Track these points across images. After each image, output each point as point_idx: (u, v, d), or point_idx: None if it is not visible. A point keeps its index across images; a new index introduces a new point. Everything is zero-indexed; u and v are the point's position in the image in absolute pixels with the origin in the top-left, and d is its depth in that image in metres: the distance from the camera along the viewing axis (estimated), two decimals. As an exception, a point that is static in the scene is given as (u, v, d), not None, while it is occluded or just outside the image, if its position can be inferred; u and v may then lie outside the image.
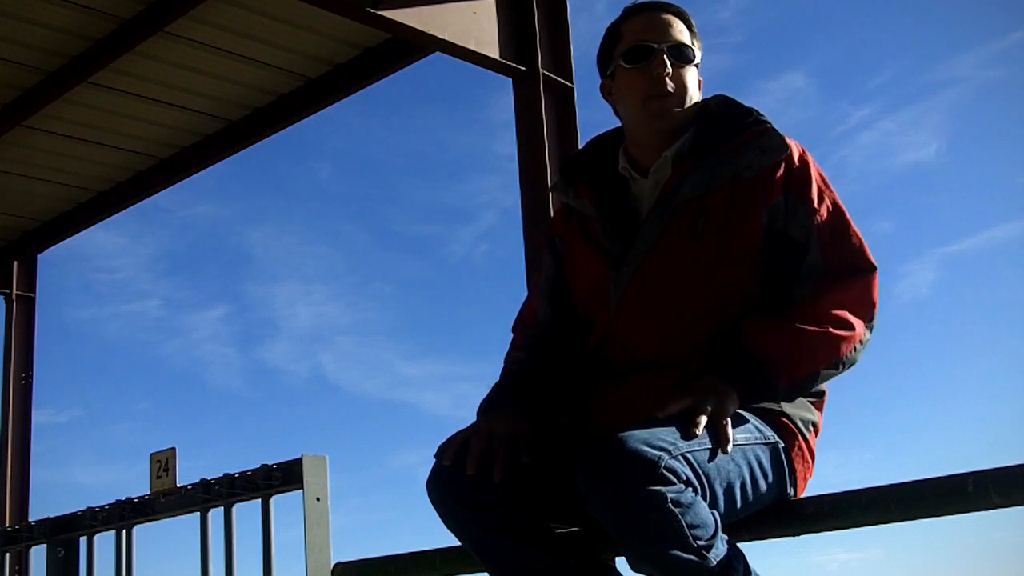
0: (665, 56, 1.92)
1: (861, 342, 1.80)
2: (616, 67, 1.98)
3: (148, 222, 11.88)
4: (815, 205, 1.85)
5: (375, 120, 11.24)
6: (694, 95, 1.97)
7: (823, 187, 1.88)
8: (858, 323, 1.78)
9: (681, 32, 1.96)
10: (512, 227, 3.58)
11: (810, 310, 1.77)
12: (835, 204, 1.88)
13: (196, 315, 12.17)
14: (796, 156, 1.88)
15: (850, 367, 1.81)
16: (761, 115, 1.92)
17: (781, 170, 1.86)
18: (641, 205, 1.96)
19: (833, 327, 1.76)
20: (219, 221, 11.99)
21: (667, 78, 1.92)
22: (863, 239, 1.87)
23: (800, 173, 1.87)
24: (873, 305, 1.82)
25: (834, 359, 1.77)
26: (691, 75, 1.96)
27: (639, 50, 1.94)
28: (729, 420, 1.68)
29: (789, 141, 1.89)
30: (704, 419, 1.65)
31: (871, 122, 11.12)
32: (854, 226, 1.88)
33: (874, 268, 1.85)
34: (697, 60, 1.98)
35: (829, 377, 1.80)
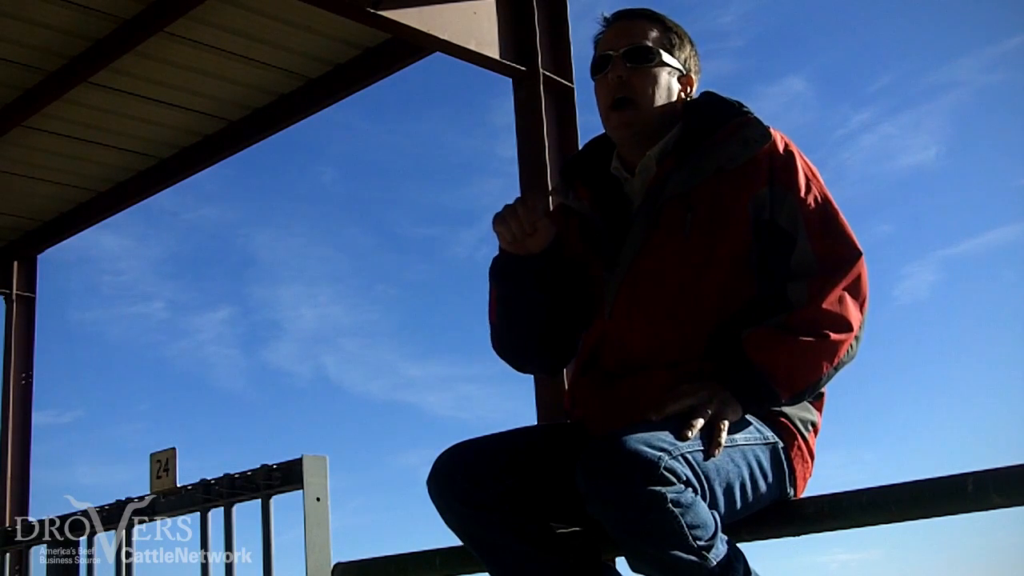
0: (622, 61, 1.92)
1: (857, 338, 1.79)
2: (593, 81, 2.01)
3: (153, 224, 11.89)
4: (802, 194, 1.84)
5: (378, 124, 11.26)
6: (661, 95, 1.95)
7: (809, 176, 1.87)
8: (855, 318, 1.78)
9: (643, 35, 1.95)
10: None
11: (808, 315, 1.76)
12: (822, 192, 1.86)
13: (200, 317, 12.18)
14: (780, 146, 1.87)
15: (850, 363, 1.82)
16: (744, 106, 1.91)
17: (765, 160, 1.85)
18: (632, 205, 1.97)
19: (832, 330, 1.75)
20: (224, 224, 12.01)
21: (622, 82, 1.92)
22: (848, 225, 1.86)
23: (785, 162, 1.86)
24: (865, 295, 1.82)
25: (835, 364, 1.77)
26: (653, 76, 1.94)
27: (599, 61, 1.96)
28: (726, 426, 1.68)
29: (773, 131, 1.88)
30: (701, 422, 1.65)
31: (871, 125, 11.14)
32: (841, 214, 1.86)
33: (861, 253, 1.83)
34: (663, 60, 1.95)
35: (831, 378, 1.80)
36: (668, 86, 1.96)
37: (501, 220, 1.88)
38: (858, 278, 1.81)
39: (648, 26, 1.97)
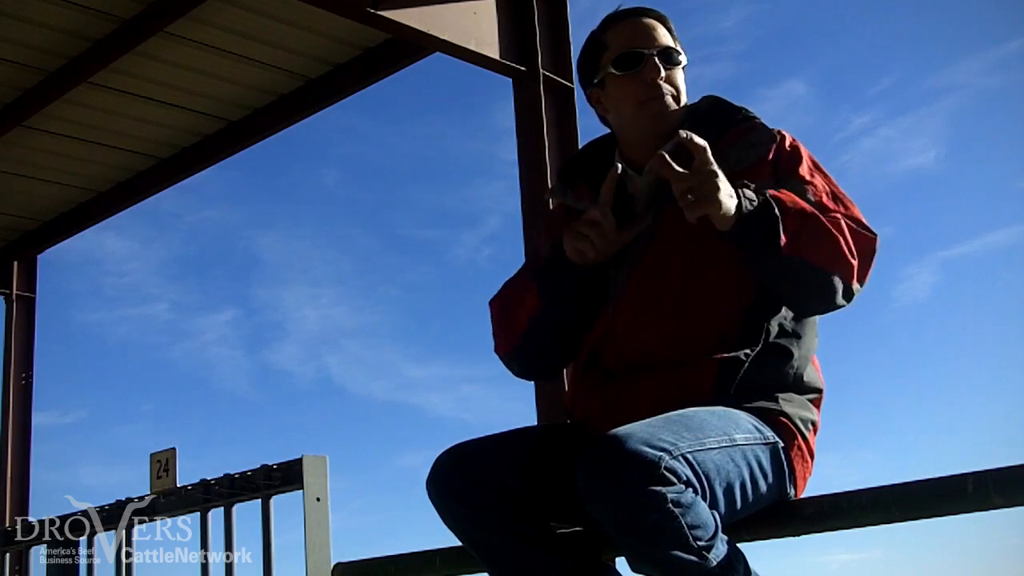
0: (656, 61, 1.94)
1: (853, 290, 1.76)
2: (606, 75, 1.99)
3: (157, 227, 11.88)
4: (808, 177, 1.85)
5: (380, 126, 11.27)
6: (684, 96, 1.99)
7: (813, 168, 1.89)
8: (859, 268, 1.75)
9: (666, 36, 1.99)
10: (514, 231, 3.60)
11: (836, 220, 1.74)
12: (827, 181, 1.87)
13: (204, 318, 12.19)
14: (787, 143, 1.90)
15: (831, 304, 1.77)
16: (749, 112, 1.95)
17: (771, 157, 1.88)
18: (638, 203, 1.97)
19: (847, 248, 1.73)
20: (228, 226, 12.02)
21: (661, 82, 1.94)
22: (858, 210, 1.84)
23: (790, 155, 1.89)
24: (870, 269, 1.79)
25: (831, 271, 1.73)
26: (680, 76, 1.99)
27: (630, 57, 1.96)
28: (707, 147, 1.64)
29: (779, 131, 1.91)
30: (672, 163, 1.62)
31: (871, 128, 11.13)
32: (850, 199, 1.85)
33: (875, 235, 1.81)
34: (684, 62, 2.00)
35: (821, 284, 1.74)
36: (685, 89, 2.00)
37: (581, 237, 1.81)
38: (871, 254, 1.78)
39: (666, 29, 2.01)
